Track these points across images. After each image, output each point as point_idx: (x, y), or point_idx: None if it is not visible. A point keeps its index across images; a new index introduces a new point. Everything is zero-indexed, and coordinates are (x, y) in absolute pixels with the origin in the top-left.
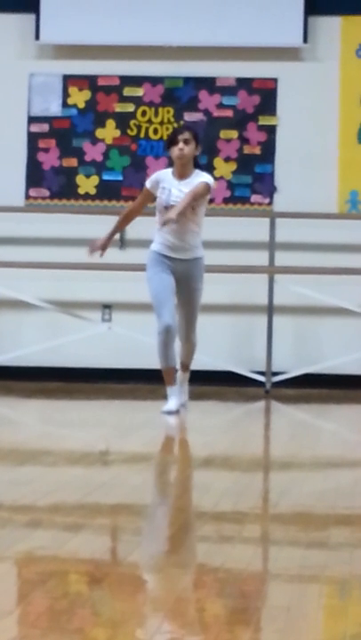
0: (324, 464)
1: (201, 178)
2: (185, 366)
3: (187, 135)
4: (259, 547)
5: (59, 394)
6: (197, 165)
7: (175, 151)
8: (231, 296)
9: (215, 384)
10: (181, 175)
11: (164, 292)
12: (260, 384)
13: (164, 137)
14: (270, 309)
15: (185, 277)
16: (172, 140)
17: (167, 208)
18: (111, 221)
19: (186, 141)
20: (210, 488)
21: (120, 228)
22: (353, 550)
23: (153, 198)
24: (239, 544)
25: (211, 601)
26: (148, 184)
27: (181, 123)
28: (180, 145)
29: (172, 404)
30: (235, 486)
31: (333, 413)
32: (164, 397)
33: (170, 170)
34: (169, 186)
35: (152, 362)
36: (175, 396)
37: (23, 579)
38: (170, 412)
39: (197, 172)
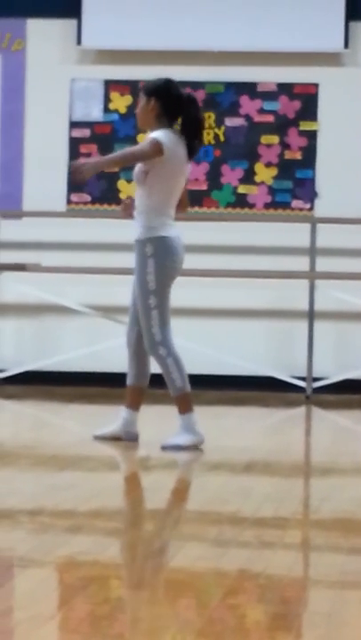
0: None
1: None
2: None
3: (140, 95)
4: (300, 553)
5: (100, 399)
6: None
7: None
8: (272, 301)
9: (256, 389)
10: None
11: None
12: (301, 389)
13: (205, 142)
14: (311, 315)
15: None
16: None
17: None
18: None
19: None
20: (251, 493)
21: None
22: None
23: None
24: (280, 550)
25: (252, 607)
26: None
27: (222, 128)
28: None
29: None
30: (276, 492)
31: None
32: (208, 404)
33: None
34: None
35: (192, 367)
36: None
37: (64, 584)
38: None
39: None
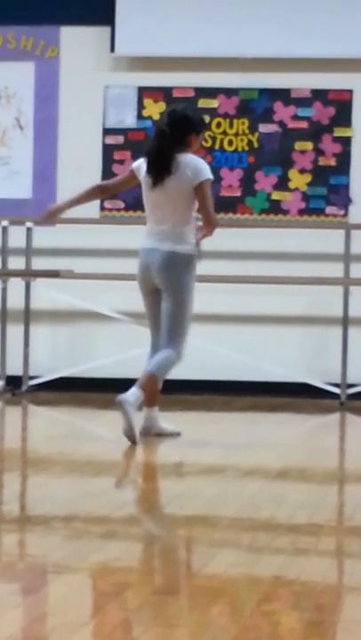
0: None
1: None
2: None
3: None
4: (334, 560)
5: None
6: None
7: (202, 140)
8: (306, 308)
9: (290, 395)
10: None
11: None
12: (335, 396)
13: (239, 149)
14: (345, 321)
15: None
16: (204, 130)
17: None
18: None
19: None
20: (285, 500)
21: None
22: None
23: None
24: (315, 557)
25: (286, 614)
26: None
27: (256, 135)
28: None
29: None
30: (310, 498)
31: None
32: (240, 410)
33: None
34: None
35: (226, 373)
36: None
37: (98, 590)
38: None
39: None
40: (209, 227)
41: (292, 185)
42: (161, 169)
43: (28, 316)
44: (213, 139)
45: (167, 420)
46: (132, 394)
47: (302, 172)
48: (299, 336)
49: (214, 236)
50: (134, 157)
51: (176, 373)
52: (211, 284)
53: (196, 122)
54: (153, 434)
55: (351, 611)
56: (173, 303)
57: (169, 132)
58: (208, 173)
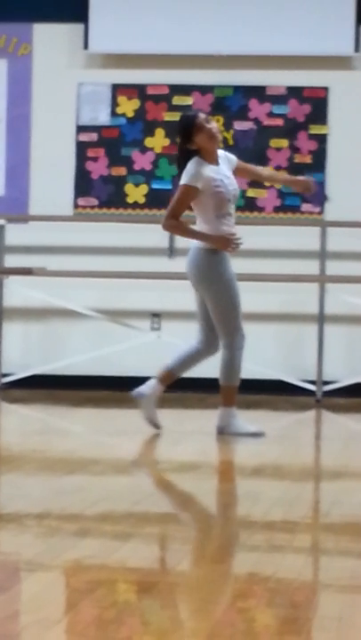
0: None
1: (226, 154)
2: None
3: (204, 114)
4: (310, 556)
5: (107, 403)
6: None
7: (209, 134)
8: (282, 305)
9: (266, 393)
10: (215, 160)
11: (240, 298)
12: (311, 393)
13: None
14: (321, 318)
15: None
16: (190, 129)
17: (230, 200)
18: (160, 230)
19: (208, 120)
20: (260, 497)
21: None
22: None
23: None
24: (290, 554)
25: (261, 611)
26: (197, 183)
27: (231, 132)
28: (209, 125)
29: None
30: (285, 495)
31: None
32: (215, 408)
33: (199, 160)
34: (218, 176)
35: (201, 370)
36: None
37: (72, 588)
38: (260, 434)
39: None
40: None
41: (267, 182)
42: (179, 176)
43: (0, 313)
44: None
45: (141, 417)
46: (220, 417)
47: (278, 169)
48: (275, 333)
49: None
50: (108, 155)
51: (150, 371)
52: (185, 281)
53: (181, 125)
54: (228, 433)
55: (326, 607)
56: (208, 300)
57: (178, 142)
58: (185, 179)
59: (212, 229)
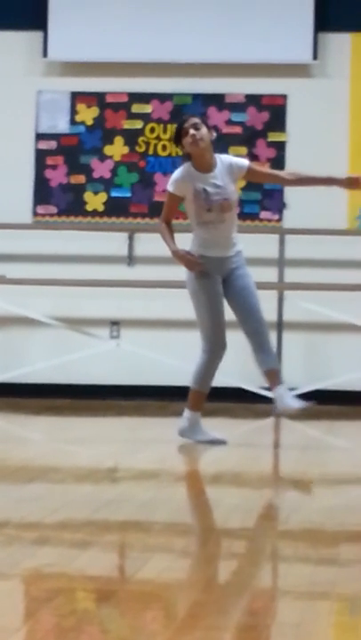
0: (333, 481)
1: (231, 161)
2: (278, 372)
3: (194, 120)
4: (268, 563)
5: (67, 411)
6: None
7: (188, 140)
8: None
9: (224, 400)
10: (205, 167)
11: (220, 305)
12: (270, 400)
13: (173, 154)
14: (280, 325)
15: (233, 271)
16: (179, 133)
17: (210, 210)
18: (119, 238)
19: (195, 126)
20: (219, 504)
21: (172, 239)
22: None
23: (181, 202)
24: (248, 561)
25: (220, 618)
26: (172, 189)
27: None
28: (192, 131)
29: (214, 433)
30: (244, 503)
31: (343, 430)
32: (175, 415)
33: (188, 165)
34: (201, 185)
35: (161, 378)
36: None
37: (31, 596)
38: (220, 442)
39: (220, 156)
40: None
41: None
42: None
43: None
44: (147, 144)
45: (100, 425)
46: (183, 419)
47: None
48: (234, 341)
49: (148, 241)
50: (67, 163)
51: (110, 378)
52: (145, 289)
53: (175, 128)
54: (189, 438)
55: (285, 614)
56: None
57: None
58: (167, 185)
59: (195, 236)
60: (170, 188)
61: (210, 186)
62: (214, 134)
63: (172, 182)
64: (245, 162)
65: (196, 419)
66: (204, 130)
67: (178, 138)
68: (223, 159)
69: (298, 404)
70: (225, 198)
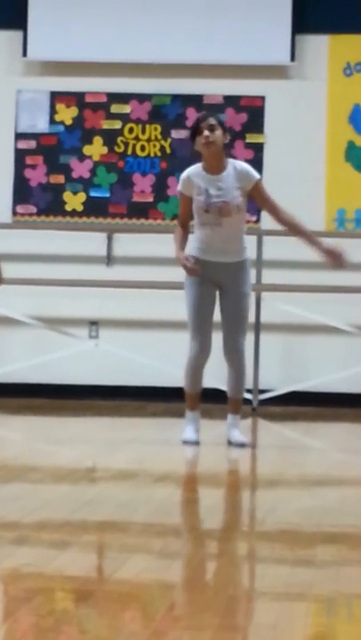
0: (310, 482)
1: (245, 170)
2: (237, 402)
3: (211, 121)
4: (245, 564)
5: (45, 410)
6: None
7: (201, 140)
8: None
9: (201, 401)
10: (214, 169)
11: (203, 309)
12: (247, 402)
13: (152, 154)
14: (257, 327)
15: (231, 282)
16: (195, 130)
17: (208, 211)
18: (98, 238)
19: (211, 127)
20: (197, 505)
21: (184, 242)
22: (339, 568)
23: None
24: (226, 561)
25: (197, 618)
26: (179, 187)
27: (168, 140)
28: (206, 132)
29: (190, 433)
30: (221, 503)
31: (320, 431)
32: (153, 416)
33: (199, 165)
34: (204, 185)
35: (139, 379)
36: (193, 424)
37: (9, 596)
38: (188, 442)
39: (232, 161)
40: None
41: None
42: None
43: None
44: (126, 144)
45: (79, 425)
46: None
47: None
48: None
49: (127, 241)
50: (46, 162)
51: (89, 378)
52: (124, 289)
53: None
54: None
55: (261, 615)
56: None
57: None
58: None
59: (194, 236)
60: (178, 186)
61: (213, 187)
62: (228, 137)
63: (180, 181)
64: (257, 175)
65: (191, 417)
66: (218, 132)
67: (193, 135)
68: (237, 165)
69: (239, 439)
70: (225, 202)
